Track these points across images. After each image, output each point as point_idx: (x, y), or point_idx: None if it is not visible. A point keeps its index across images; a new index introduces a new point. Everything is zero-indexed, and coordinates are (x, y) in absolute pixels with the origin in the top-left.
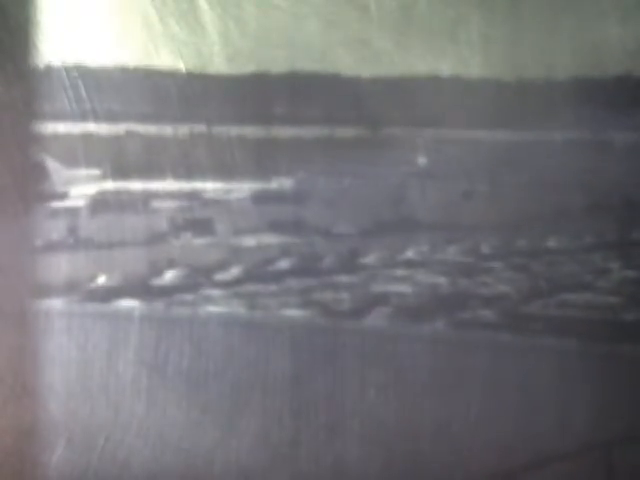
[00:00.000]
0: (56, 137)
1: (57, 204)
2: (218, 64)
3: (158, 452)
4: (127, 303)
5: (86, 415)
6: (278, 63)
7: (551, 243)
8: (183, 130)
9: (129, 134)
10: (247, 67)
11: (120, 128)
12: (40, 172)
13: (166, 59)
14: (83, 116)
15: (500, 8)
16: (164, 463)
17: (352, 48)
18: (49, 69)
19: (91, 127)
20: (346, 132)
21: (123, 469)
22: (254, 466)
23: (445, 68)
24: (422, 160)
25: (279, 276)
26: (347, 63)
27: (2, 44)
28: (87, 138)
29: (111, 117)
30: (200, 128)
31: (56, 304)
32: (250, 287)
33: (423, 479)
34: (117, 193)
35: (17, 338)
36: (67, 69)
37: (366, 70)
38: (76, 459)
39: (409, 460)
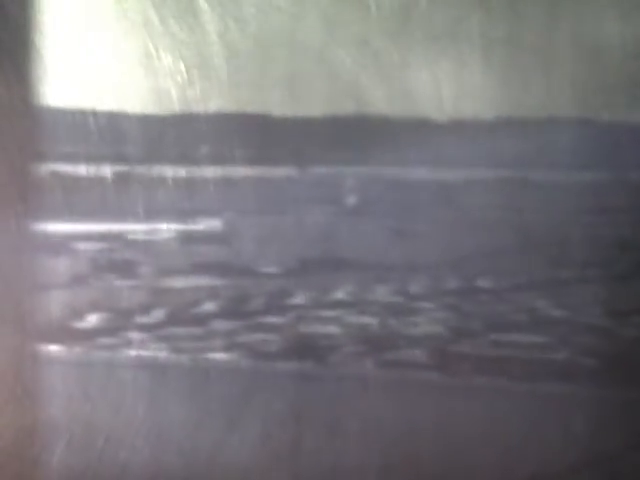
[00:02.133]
0: None
1: None
2: (218, 64)
3: None
4: (47, 347)
5: None
6: (278, 63)
7: (481, 283)
8: (105, 170)
9: (51, 174)
10: (247, 67)
11: (41, 168)
12: None
13: (166, 59)
14: None
15: (500, 8)
16: None
17: (352, 48)
18: None
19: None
20: (275, 171)
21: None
22: None
23: (445, 68)
24: (351, 199)
25: (204, 319)
26: (347, 63)
27: (2, 45)
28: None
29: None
30: (122, 168)
31: None
32: (174, 330)
33: None
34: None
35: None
36: None
37: (364, 72)
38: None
39: None
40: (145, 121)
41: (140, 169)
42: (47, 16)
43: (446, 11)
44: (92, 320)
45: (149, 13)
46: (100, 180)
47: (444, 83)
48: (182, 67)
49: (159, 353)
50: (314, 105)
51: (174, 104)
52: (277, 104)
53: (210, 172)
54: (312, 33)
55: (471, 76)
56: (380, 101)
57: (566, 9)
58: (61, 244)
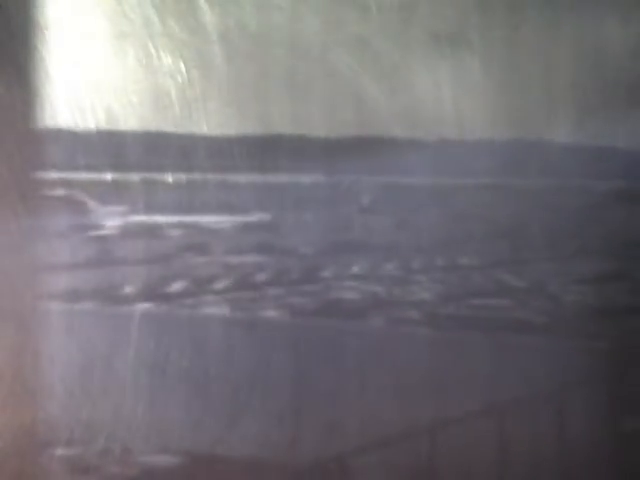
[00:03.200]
0: (95, 183)
1: (94, 232)
2: (218, 64)
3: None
4: (144, 306)
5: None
6: (278, 63)
7: (462, 261)
8: (181, 177)
9: (147, 181)
10: (247, 67)
11: (143, 176)
12: (81, 208)
13: (166, 59)
14: (114, 166)
15: (500, 8)
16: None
17: (352, 48)
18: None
19: (119, 175)
20: (307, 179)
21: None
22: None
23: (445, 68)
24: (365, 200)
25: (258, 286)
26: (347, 63)
27: (2, 45)
28: (118, 184)
29: (134, 167)
30: (197, 176)
31: (86, 306)
32: (236, 294)
33: None
34: (138, 224)
35: (17, 337)
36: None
37: (364, 72)
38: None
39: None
40: (216, 140)
41: (209, 177)
42: (48, 17)
43: (446, 11)
44: (176, 286)
45: (149, 13)
46: (178, 184)
47: (444, 82)
48: (182, 67)
49: (225, 311)
50: (314, 105)
51: (174, 104)
52: (277, 104)
53: (260, 178)
54: (312, 33)
55: (471, 76)
56: (380, 101)
57: (566, 10)
58: (155, 231)
